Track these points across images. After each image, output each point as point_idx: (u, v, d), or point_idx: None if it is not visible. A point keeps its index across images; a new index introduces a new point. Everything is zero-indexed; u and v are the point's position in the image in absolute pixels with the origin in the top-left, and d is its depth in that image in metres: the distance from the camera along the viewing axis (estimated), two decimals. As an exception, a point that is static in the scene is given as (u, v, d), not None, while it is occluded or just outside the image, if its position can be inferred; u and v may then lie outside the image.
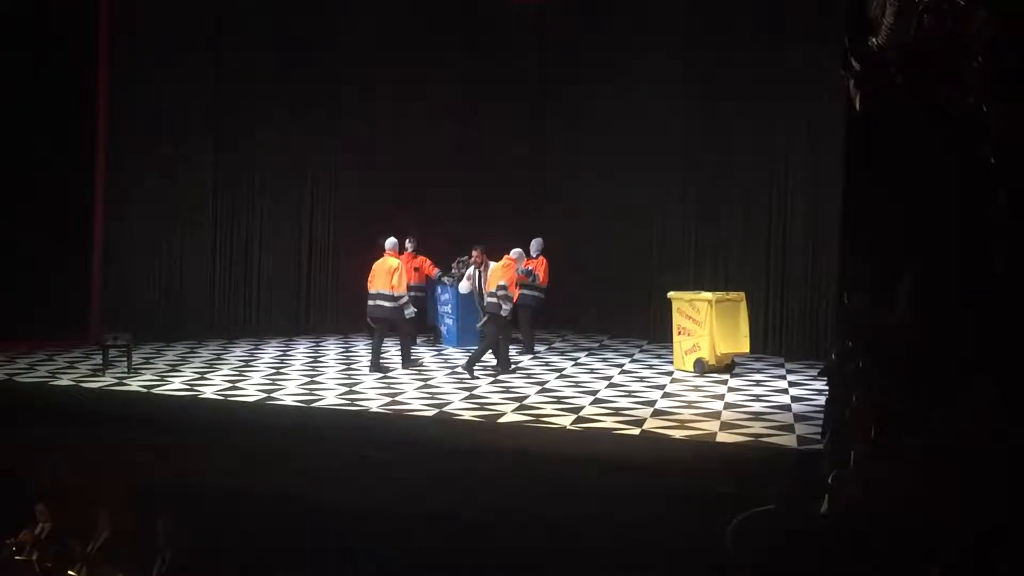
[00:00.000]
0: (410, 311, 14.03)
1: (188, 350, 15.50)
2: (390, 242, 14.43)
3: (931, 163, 6.07)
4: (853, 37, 7.14)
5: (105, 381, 12.91)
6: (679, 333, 14.18)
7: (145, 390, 12.48)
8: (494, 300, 13.81)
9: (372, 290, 14.03)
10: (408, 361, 14.10)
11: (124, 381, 12.93)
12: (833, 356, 8.65)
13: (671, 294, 14.47)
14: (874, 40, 6.94)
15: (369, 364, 13.97)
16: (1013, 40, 5.32)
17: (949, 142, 5.86)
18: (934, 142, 6.02)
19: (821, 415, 10.14)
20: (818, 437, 9.76)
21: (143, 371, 13.57)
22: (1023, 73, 5.28)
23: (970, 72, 5.56)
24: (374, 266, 14.15)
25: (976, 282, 5.49)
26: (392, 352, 14.55)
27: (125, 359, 13.43)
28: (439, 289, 16.36)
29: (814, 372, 13.80)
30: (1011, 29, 5.33)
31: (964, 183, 5.73)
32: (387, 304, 13.85)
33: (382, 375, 13.52)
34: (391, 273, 13.85)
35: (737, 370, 13.99)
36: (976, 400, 4.90)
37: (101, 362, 13.41)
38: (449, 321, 16.34)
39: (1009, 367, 4.99)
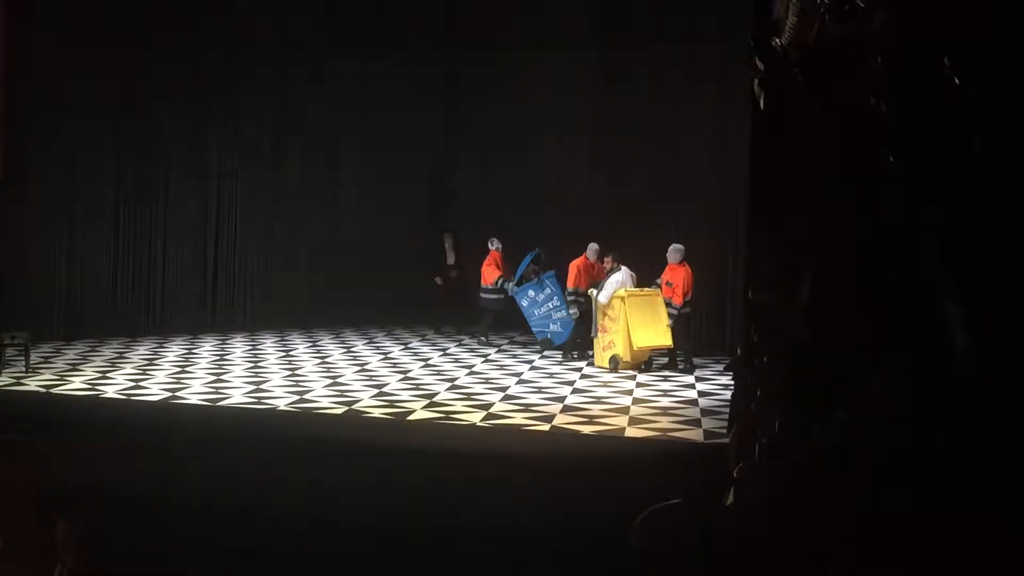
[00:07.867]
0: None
1: (89, 349, 15.14)
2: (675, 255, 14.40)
3: (831, 163, 6.18)
4: (757, 37, 7.24)
5: (1, 381, 12.55)
6: (600, 331, 14.28)
7: (44, 390, 12.17)
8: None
9: None
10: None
11: (22, 381, 12.58)
12: (739, 351, 8.79)
13: (590, 292, 14.53)
14: (778, 40, 7.04)
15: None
16: (911, 42, 5.44)
17: (849, 142, 5.97)
18: (834, 142, 6.13)
19: (727, 410, 10.31)
20: (724, 431, 9.92)
21: (42, 370, 13.22)
22: (920, 74, 5.40)
23: (869, 73, 5.67)
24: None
25: (874, 281, 5.61)
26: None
27: (22, 358, 13.08)
28: (525, 293, 15.69)
29: (720, 368, 14.05)
30: (909, 31, 5.45)
31: (863, 183, 5.85)
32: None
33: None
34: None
35: (644, 366, 14.10)
36: (875, 396, 5.01)
37: (-3, 361, 13.07)
38: (562, 314, 15.50)
39: (908, 364, 5.12)
